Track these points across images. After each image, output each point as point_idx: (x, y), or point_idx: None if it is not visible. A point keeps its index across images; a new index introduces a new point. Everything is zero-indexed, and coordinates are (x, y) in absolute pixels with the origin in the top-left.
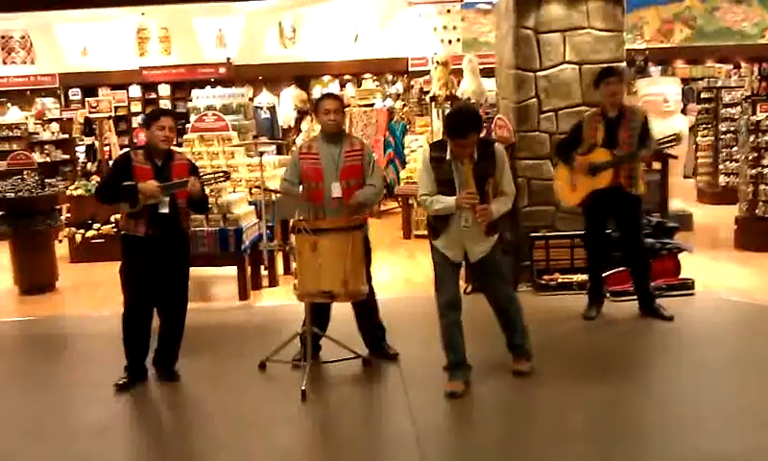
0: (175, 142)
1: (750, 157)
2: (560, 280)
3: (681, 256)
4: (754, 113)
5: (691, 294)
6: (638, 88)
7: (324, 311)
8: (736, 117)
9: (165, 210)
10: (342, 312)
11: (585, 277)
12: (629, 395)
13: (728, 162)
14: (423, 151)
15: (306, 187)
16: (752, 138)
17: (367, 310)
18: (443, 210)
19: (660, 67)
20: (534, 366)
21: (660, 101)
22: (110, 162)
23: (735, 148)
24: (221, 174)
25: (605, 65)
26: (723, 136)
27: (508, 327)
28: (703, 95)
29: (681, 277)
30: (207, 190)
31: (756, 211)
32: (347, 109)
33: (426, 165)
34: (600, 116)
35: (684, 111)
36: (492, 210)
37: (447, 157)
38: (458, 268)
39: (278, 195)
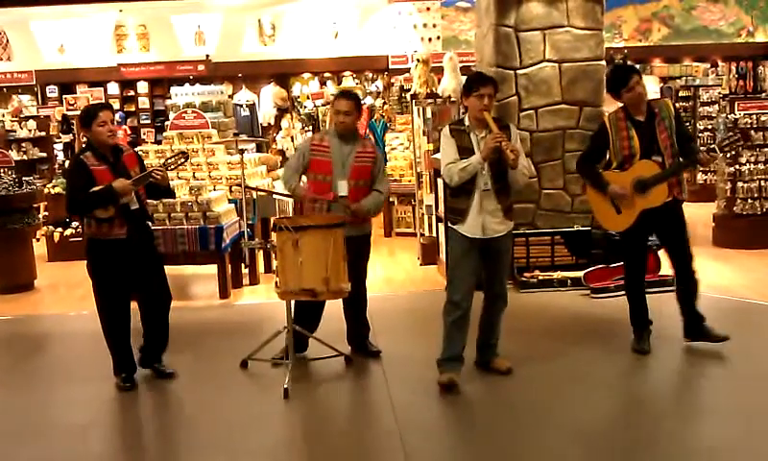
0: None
1: (728, 155)
2: (540, 278)
3: (660, 253)
4: (731, 111)
5: (671, 291)
6: None
7: (313, 311)
8: (714, 115)
9: (136, 206)
10: (324, 310)
11: (565, 273)
12: (613, 392)
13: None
14: (443, 130)
15: (312, 179)
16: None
17: (358, 306)
18: (469, 169)
19: (638, 66)
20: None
21: None
22: (67, 172)
23: (713, 146)
24: (179, 155)
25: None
26: (701, 134)
27: (490, 325)
28: (681, 93)
29: (660, 273)
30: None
31: (734, 209)
32: (326, 106)
33: (447, 137)
34: (626, 121)
35: None
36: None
37: (466, 125)
38: (476, 265)
39: (260, 193)
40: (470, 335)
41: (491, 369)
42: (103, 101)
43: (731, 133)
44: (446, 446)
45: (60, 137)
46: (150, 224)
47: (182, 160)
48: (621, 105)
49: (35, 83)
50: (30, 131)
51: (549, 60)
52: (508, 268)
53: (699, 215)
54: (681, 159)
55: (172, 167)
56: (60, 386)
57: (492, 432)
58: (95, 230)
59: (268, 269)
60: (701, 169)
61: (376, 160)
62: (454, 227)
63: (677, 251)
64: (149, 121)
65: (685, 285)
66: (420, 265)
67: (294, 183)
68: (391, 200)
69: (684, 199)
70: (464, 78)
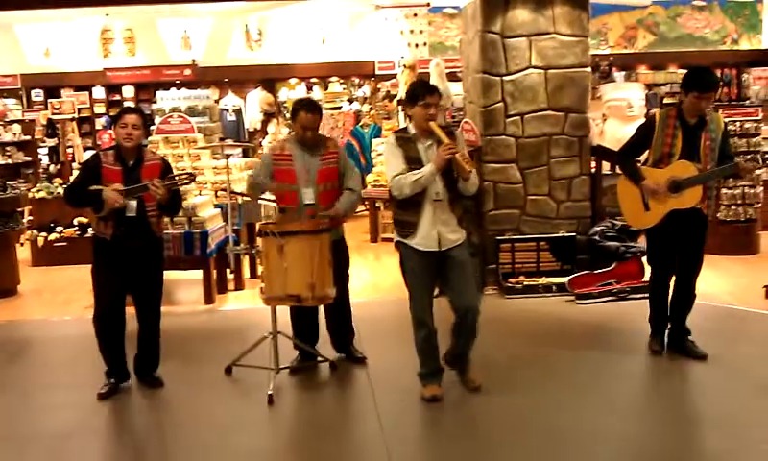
0: (142, 141)
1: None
2: (525, 283)
3: (644, 260)
4: None
5: None
6: (603, 93)
7: (309, 324)
8: None
9: (132, 214)
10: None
11: (550, 279)
12: (597, 398)
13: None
14: (387, 140)
15: (278, 188)
16: None
17: (340, 312)
18: (421, 181)
19: (623, 73)
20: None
21: (624, 106)
22: (80, 163)
23: (757, 155)
24: (184, 176)
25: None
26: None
27: (464, 336)
28: (666, 100)
29: (645, 279)
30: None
31: (718, 215)
32: None
33: (392, 148)
34: (676, 120)
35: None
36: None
37: (411, 134)
38: (432, 279)
39: (245, 198)
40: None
41: (463, 381)
42: (88, 104)
43: None
44: (432, 452)
45: (44, 141)
46: (154, 237)
47: (186, 182)
48: (678, 102)
49: (20, 86)
50: (14, 134)
51: (535, 67)
52: (473, 279)
53: None
54: (720, 167)
55: (176, 185)
56: (43, 391)
57: (478, 439)
58: (95, 225)
59: (253, 274)
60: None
61: (341, 158)
62: (404, 240)
63: (687, 262)
64: None
65: (682, 298)
66: None
67: (265, 187)
68: (377, 205)
69: (710, 216)
70: (450, 84)
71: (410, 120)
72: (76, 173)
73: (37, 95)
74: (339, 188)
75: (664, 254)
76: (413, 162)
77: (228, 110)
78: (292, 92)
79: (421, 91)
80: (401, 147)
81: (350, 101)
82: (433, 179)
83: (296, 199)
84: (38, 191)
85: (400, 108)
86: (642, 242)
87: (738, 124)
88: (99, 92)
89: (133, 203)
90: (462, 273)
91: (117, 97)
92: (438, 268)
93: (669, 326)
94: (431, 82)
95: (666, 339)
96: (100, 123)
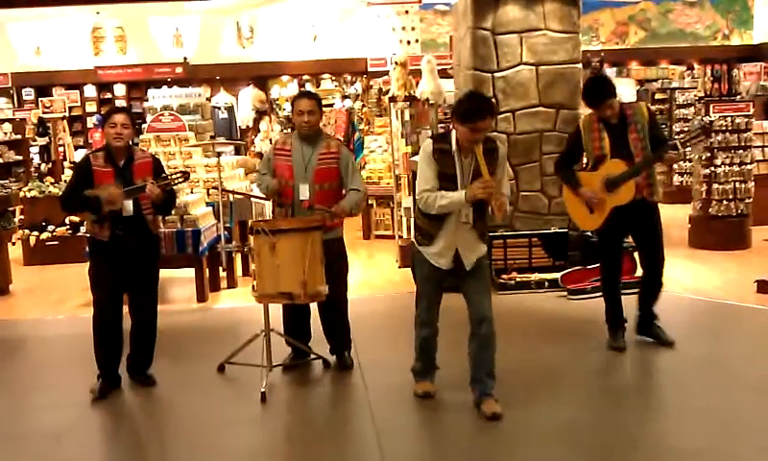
0: (132, 140)
1: (703, 157)
2: (518, 279)
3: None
4: (707, 114)
5: None
6: None
7: (299, 323)
8: (690, 118)
9: (129, 214)
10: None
11: (542, 275)
12: (590, 393)
13: (681, 162)
14: (425, 144)
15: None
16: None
17: (337, 316)
18: (449, 206)
19: (615, 68)
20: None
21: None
22: (71, 166)
23: (689, 148)
24: (179, 175)
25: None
26: (676, 137)
27: (479, 347)
28: (657, 96)
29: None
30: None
31: (710, 210)
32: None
33: (428, 158)
34: (599, 122)
35: None
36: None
37: (453, 148)
38: (442, 284)
39: (237, 196)
40: (449, 340)
41: (480, 411)
42: (79, 103)
43: (692, 130)
44: (425, 449)
45: (35, 140)
46: (151, 235)
47: (181, 180)
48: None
49: (10, 85)
50: (5, 133)
51: (526, 63)
52: (488, 288)
53: (675, 217)
54: (642, 161)
55: (171, 185)
56: (35, 391)
57: (471, 435)
58: (89, 228)
59: (246, 272)
60: (675, 170)
61: (342, 159)
62: (420, 248)
63: (647, 253)
64: None
65: (649, 287)
66: (399, 267)
67: (267, 182)
68: (369, 202)
69: (657, 201)
70: (442, 81)
71: (451, 126)
72: (68, 177)
73: (28, 94)
74: (338, 189)
75: (612, 251)
76: (446, 179)
77: (220, 108)
78: (284, 90)
79: (475, 115)
80: (437, 161)
81: (343, 98)
82: (461, 207)
83: (292, 194)
84: (30, 190)
85: (392, 104)
86: None
87: (729, 119)
88: (90, 91)
89: (130, 203)
90: (479, 282)
91: (108, 95)
92: (453, 275)
93: (638, 312)
94: (423, 79)
95: (636, 325)
96: (91, 121)
